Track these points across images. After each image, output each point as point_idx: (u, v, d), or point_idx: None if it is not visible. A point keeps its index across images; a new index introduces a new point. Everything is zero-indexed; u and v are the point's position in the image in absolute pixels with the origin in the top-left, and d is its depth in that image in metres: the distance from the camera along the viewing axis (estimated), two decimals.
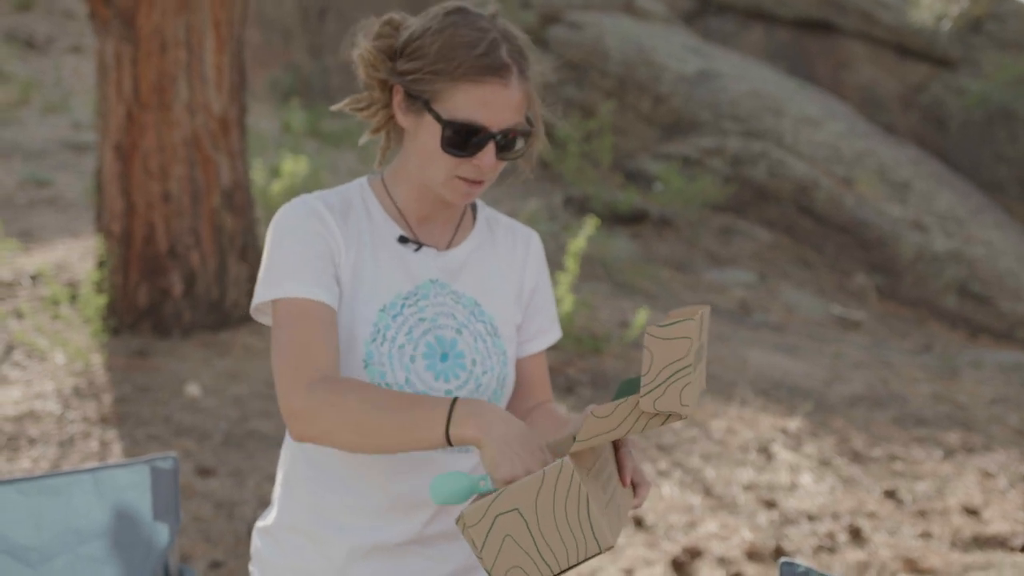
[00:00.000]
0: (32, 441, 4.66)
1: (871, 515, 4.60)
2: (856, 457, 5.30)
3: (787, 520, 4.51)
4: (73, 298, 6.11)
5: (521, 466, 1.46)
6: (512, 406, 1.89)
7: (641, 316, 6.20)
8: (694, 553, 4.13)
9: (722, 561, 4.10)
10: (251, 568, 1.90)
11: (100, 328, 5.73)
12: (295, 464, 1.84)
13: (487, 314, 1.81)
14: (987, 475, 5.17)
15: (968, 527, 4.51)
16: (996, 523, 4.57)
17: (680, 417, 1.43)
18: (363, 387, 1.60)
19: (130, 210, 5.94)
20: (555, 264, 6.81)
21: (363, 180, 1.83)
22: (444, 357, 1.75)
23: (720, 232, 9.84)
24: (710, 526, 4.41)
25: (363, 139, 1.86)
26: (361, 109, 1.80)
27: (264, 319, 1.77)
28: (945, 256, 9.42)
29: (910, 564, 4.13)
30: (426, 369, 1.73)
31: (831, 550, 4.25)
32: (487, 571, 1.44)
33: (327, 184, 8.26)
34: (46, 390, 5.15)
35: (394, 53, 1.72)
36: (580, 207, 9.54)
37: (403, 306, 1.74)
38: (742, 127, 10.51)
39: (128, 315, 5.98)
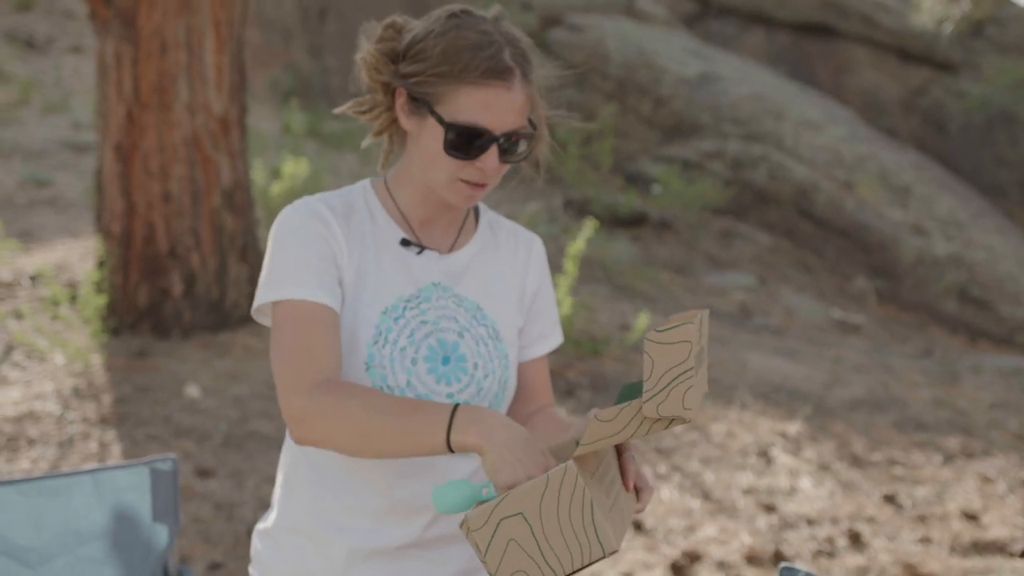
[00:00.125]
0: (31, 442, 4.65)
1: (870, 520, 4.60)
2: (856, 461, 5.30)
3: (786, 524, 4.51)
4: (73, 298, 6.11)
5: (523, 471, 1.46)
6: (513, 410, 1.89)
7: (642, 319, 6.20)
8: (693, 557, 4.12)
9: (721, 565, 4.09)
10: (251, 570, 1.90)
11: (100, 328, 5.73)
12: (295, 466, 1.83)
13: (489, 318, 1.81)
14: (987, 480, 5.17)
15: (967, 532, 4.50)
16: (995, 528, 4.57)
17: (683, 421, 1.43)
18: (365, 392, 1.59)
19: (130, 210, 5.93)
20: (555, 266, 6.81)
21: (366, 183, 1.83)
22: (446, 360, 1.74)
23: (720, 235, 9.84)
24: (709, 530, 4.40)
25: (366, 142, 1.86)
26: (364, 112, 1.80)
27: (265, 320, 1.76)
28: (945, 260, 9.42)
29: (909, 569, 4.13)
30: (428, 372, 1.73)
31: (830, 555, 4.24)
32: (491, 575, 1.44)
33: (328, 186, 8.25)
34: (46, 391, 5.15)
35: (397, 56, 1.72)
36: (580, 209, 9.54)
37: (405, 309, 1.74)
38: (743, 130, 10.51)
39: (128, 315, 5.97)
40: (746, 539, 4.32)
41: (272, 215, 7.22)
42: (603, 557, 1.41)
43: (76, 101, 12.27)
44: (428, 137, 1.69)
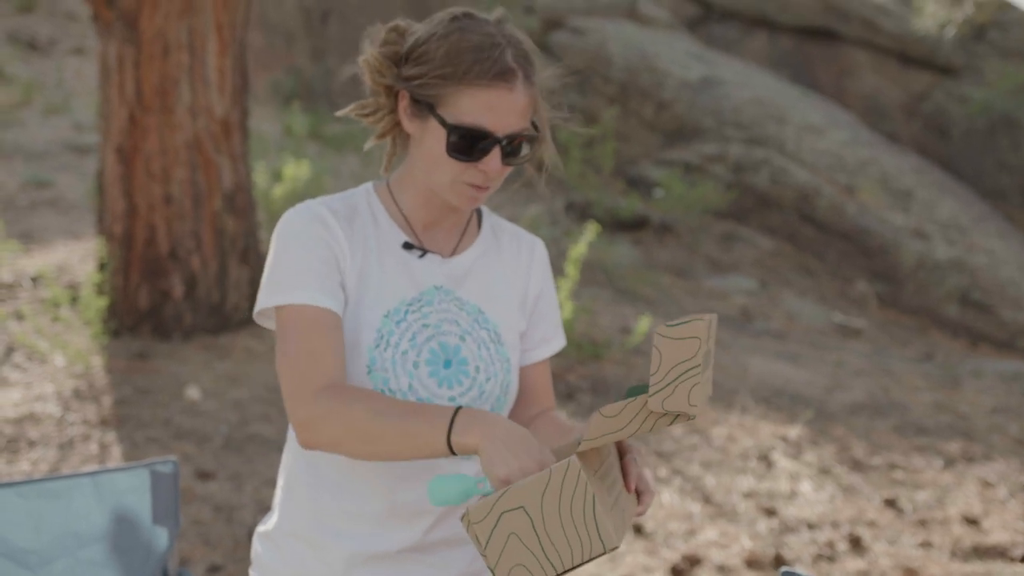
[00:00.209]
0: (32, 443, 4.65)
1: (871, 524, 4.60)
2: (856, 465, 5.29)
3: (787, 528, 4.50)
4: (74, 300, 6.11)
5: (517, 465, 1.46)
6: (515, 414, 1.89)
7: (643, 323, 6.20)
8: (693, 561, 4.12)
9: (721, 569, 4.09)
10: (251, 573, 1.90)
11: (100, 330, 5.73)
12: (296, 469, 1.83)
13: (491, 321, 1.81)
14: (987, 485, 5.16)
15: (968, 537, 4.50)
16: (996, 533, 4.57)
17: (688, 417, 1.42)
18: (369, 396, 1.60)
19: (131, 212, 5.93)
20: (556, 270, 6.81)
21: (369, 186, 1.83)
22: (448, 364, 1.74)
23: (722, 239, 9.83)
24: (710, 534, 4.40)
25: (368, 144, 1.86)
26: (366, 115, 1.80)
27: (267, 323, 1.77)
28: (947, 264, 9.41)
29: (910, 573, 4.13)
30: (429, 375, 1.73)
31: (831, 559, 4.24)
32: (490, 569, 1.44)
33: (329, 188, 8.25)
34: (46, 392, 5.15)
35: (399, 59, 1.72)
36: (582, 213, 9.53)
37: (407, 312, 1.74)
38: (745, 134, 10.51)
39: (128, 317, 5.97)
40: (746, 543, 4.32)
41: (273, 218, 7.22)
42: (603, 553, 1.41)
43: (78, 103, 12.27)
44: (431, 139, 1.69)
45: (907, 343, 8.57)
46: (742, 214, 10.09)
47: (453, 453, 1.51)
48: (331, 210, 1.75)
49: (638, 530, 4.37)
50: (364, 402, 1.58)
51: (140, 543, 2.28)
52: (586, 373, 6.09)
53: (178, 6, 5.76)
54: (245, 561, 3.81)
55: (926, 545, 4.41)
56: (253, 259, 6.20)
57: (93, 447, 4.66)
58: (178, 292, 5.96)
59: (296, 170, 7.73)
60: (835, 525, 4.55)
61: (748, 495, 4.82)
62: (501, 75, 1.64)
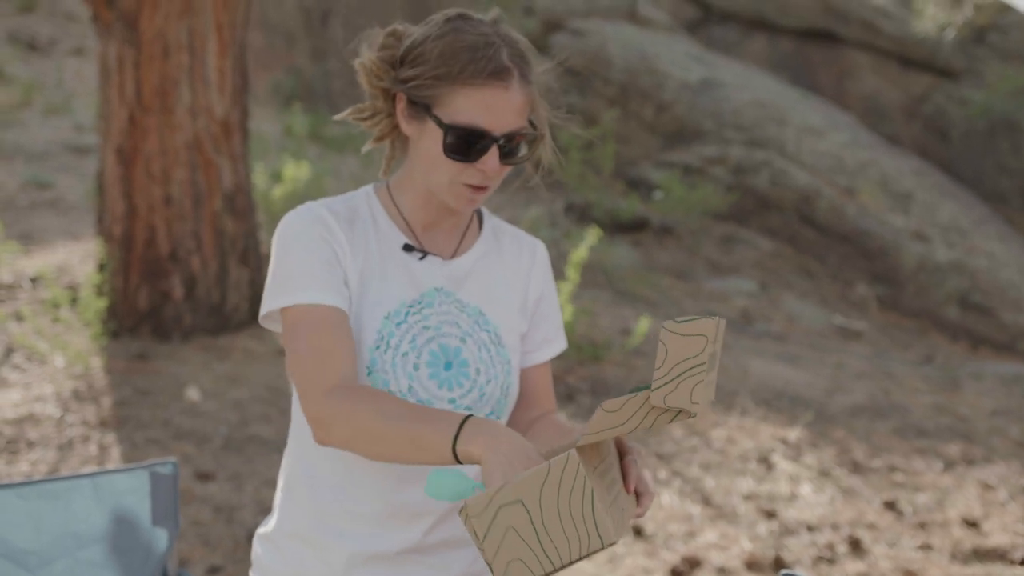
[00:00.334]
0: (31, 444, 4.65)
1: (871, 526, 4.59)
2: (856, 468, 5.29)
3: (787, 530, 4.50)
4: (73, 301, 6.11)
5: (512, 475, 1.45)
6: (516, 416, 1.88)
7: (642, 324, 6.19)
8: (693, 563, 4.12)
9: (721, 571, 4.09)
10: (252, 574, 1.90)
11: (100, 331, 5.72)
12: (296, 470, 1.83)
13: (491, 323, 1.81)
14: (987, 487, 5.16)
15: (968, 539, 4.50)
16: (996, 535, 4.56)
17: (689, 415, 1.42)
18: (378, 397, 1.59)
19: (131, 213, 5.93)
20: (556, 272, 6.81)
21: (369, 188, 1.83)
22: (448, 366, 1.74)
23: (722, 241, 9.83)
24: (709, 536, 4.40)
25: (366, 147, 1.86)
26: (364, 119, 1.80)
27: (273, 326, 1.77)
28: (947, 267, 9.41)
29: None
30: (429, 377, 1.72)
31: (831, 561, 4.23)
32: (488, 563, 1.43)
33: (330, 189, 8.26)
34: (45, 393, 5.14)
35: (396, 62, 1.72)
36: (581, 214, 9.53)
37: (407, 314, 1.74)
38: (745, 136, 10.51)
39: (128, 318, 5.97)
40: (746, 545, 4.32)
41: (273, 219, 7.22)
42: (601, 549, 1.40)
43: (78, 103, 12.28)
44: (428, 140, 1.69)
45: (907, 345, 8.57)
46: (742, 216, 10.09)
47: (458, 461, 1.50)
48: (332, 212, 1.75)
49: (638, 532, 4.37)
50: (373, 404, 1.57)
51: (140, 544, 2.28)
52: (586, 375, 6.09)
53: (178, 7, 5.76)
54: (245, 562, 3.81)
55: (926, 547, 4.40)
56: (253, 260, 6.19)
57: (92, 448, 4.66)
58: (178, 293, 5.96)
59: (296, 171, 7.73)
60: (835, 527, 4.55)
61: (748, 497, 4.82)
62: (496, 74, 1.63)
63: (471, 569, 1.83)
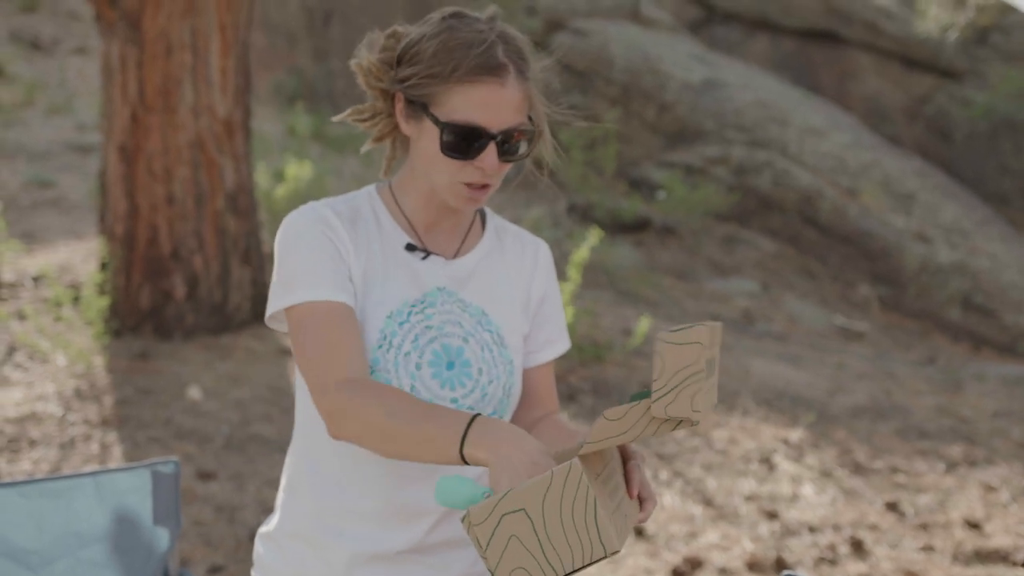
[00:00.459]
0: (33, 443, 4.65)
1: (872, 527, 4.59)
2: (858, 469, 5.29)
3: (788, 531, 4.49)
4: (75, 300, 6.11)
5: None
6: (518, 417, 1.88)
7: (643, 324, 6.19)
8: (695, 564, 4.11)
9: (723, 572, 4.08)
10: (253, 573, 1.90)
11: (102, 330, 5.72)
12: (299, 468, 1.83)
13: (494, 323, 1.80)
14: (989, 489, 5.16)
15: (970, 541, 4.49)
16: (998, 537, 4.56)
17: (691, 423, 1.41)
18: (387, 393, 1.58)
19: (134, 212, 5.93)
20: (558, 272, 6.80)
21: (371, 188, 1.83)
22: (450, 365, 1.74)
23: (723, 241, 9.83)
24: (711, 536, 4.39)
25: (365, 148, 1.86)
26: (364, 120, 1.80)
27: (279, 326, 1.76)
28: (949, 268, 9.40)
29: None
30: (432, 377, 1.72)
31: (832, 562, 4.23)
32: (491, 571, 1.43)
33: (332, 189, 8.26)
34: (47, 392, 5.15)
35: (394, 62, 1.72)
36: (583, 214, 9.53)
37: (410, 313, 1.74)
38: (747, 136, 10.51)
39: (130, 317, 5.97)
40: (748, 546, 4.31)
41: (275, 218, 7.22)
42: (604, 557, 1.40)
43: (80, 102, 12.28)
44: (426, 139, 1.68)
45: (909, 346, 8.57)
46: (744, 216, 10.09)
47: (465, 463, 1.50)
48: (335, 211, 1.75)
49: (639, 532, 4.37)
50: (381, 400, 1.57)
51: (141, 543, 2.28)
52: (587, 375, 6.09)
53: (181, 6, 5.76)
54: (246, 562, 3.81)
55: (928, 549, 4.40)
56: (255, 259, 6.19)
57: (94, 447, 4.66)
58: (180, 292, 5.96)
59: (298, 171, 7.73)
60: (836, 528, 4.54)
61: (749, 498, 4.81)
62: (491, 70, 1.63)
63: (472, 570, 1.83)
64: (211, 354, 5.81)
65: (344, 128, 11.70)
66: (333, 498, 1.78)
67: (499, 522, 1.41)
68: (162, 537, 2.29)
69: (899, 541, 4.46)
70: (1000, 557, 4.37)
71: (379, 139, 1.82)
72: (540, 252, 1.90)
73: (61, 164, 9.98)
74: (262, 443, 4.85)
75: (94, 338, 5.70)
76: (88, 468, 4.45)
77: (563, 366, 6.08)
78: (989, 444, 5.88)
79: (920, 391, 6.86)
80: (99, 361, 5.54)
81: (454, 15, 1.69)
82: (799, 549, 4.33)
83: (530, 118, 1.71)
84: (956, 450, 5.69)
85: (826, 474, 5.17)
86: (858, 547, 4.36)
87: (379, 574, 1.77)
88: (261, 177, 7.70)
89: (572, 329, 6.11)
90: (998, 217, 10.84)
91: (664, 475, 4.97)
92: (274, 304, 1.71)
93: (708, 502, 4.74)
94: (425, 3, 11.68)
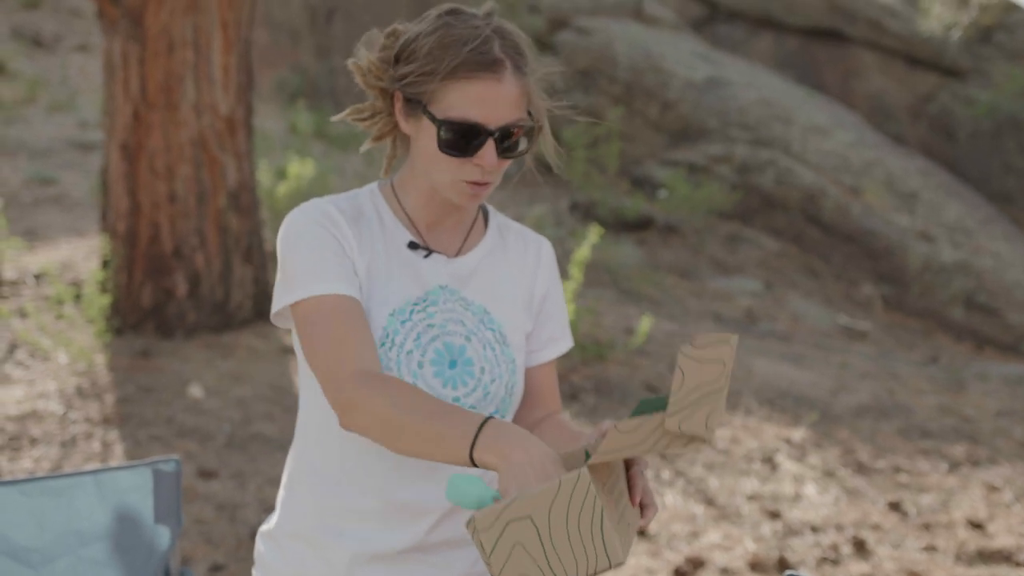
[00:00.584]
0: (34, 441, 4.65)
1: (875, 527, 4.58)
2: (861, 468, 5.28)
3: (791, 531, 4.49)
4: (77, 297, 6.11)
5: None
6: (520, 416, 1.87)
7: (646, 323, 6.18)
8: (697, 563, 4.11)
9: (725, 572, 4.08)
10: (254, 572, 1.89)
11: (103, 328, 5.72)
12: (300, 465, 1.82)
13: (496, 322, 1.79)
14: (993, 489, 5.15)
15: (973, 541, 4.48)
16: (1001, 537, 4.55)
17: (702, 441, 1.40)
18: (398, 388, 1.57)
19: (135, 210, 5.93)
20: (560, 271, 6.79)
21: (373, 186, 1.82)
22: (452, 364, 1.73)
23: (726, 240, 9.82)
24: (713, 536, 4.39)
25: (364, 147, 1.85)
26: (363, 119, 1.79)
27: (285, 324, 1.76)
28: (952, 267, 9.39)
29: None
30: (434, 376, 1.71)
31: (835, 562, 4.22)
32: None
33: (334, 187, 8.25)
34: (49, 390, 5.14)
35: (393, 60, 1.72)
36: (586, 213, 9.53)
37: (412, 312, 1.73)
38: (750, 135, 10.50)
39: (132, 315, 5.97)
40: (750, 546, 4.31)
41: (278, 216, 7.22)
42: (609, 568, 1.39)
43: (82, 100, 12.28)
44: (425, 137, 1.68)
45: (912, 346, 8.56)
46: (747, 215, 10.08)
47: (474, 465, 1.49)
48: (338, 208, 1.74)
49: (641, 532, 4.36)
50: (391, 395, 1.55)
51: (142, 542, 2.27)
52: (590, 374, 6.08)
53: (183, 3, 5.75)
54: (247, 560, 3.80)
55: (930, 549, 4.39)
56: (257, 257, 6.19)
57: (95, 445, 4.66)
58: (181, 290, 5.96)
59: (300, 168, 7.73)
60: (839, 528, 4.54)
61: (752, 497, 4.81)
62: (488, 66, 1.62)
63: (473, 569, 1.82)
64: (213, 352, 5.80)
65: (346, 126, 11.66)
66: (334, 497, 1.77)
67: (504, 529, 1.40)
68: (163, 535, 2.29)
69: (902, 541, 4.45)
70: (1003, 557, 4.36)
71: (379, 138, 1.81)
72: (543, 250, 1.90)
73: (63, 161, 9.98)
74: (263, 442, 4.85)
75: (95, 336, 5.69)
76: (89, 466, 4.44)
77: (565, 365, 6.07)
78: (992, 444, 5.87)
79: (923, 390, 6.85)
80: (100, 359, 5.53)
81: (450, 12, 1.68)
82: (801, 549, 4.32)
83: (530, 114, 1.70)
84: (959, 450, 5.68)
85: (829, 474, 5.16)
86: (861, 547, 4.35)
87: (380, 574, 1.76)
88: (263, 175, 7.69)
89: (574, 328, 6.10)
90: (1002, 216, 10.83)
91: (666, 474, 4.96)
92: (280, 300, 1.70)
93: (710, 502, 4.74)
94: (427, 0, 11.67)
